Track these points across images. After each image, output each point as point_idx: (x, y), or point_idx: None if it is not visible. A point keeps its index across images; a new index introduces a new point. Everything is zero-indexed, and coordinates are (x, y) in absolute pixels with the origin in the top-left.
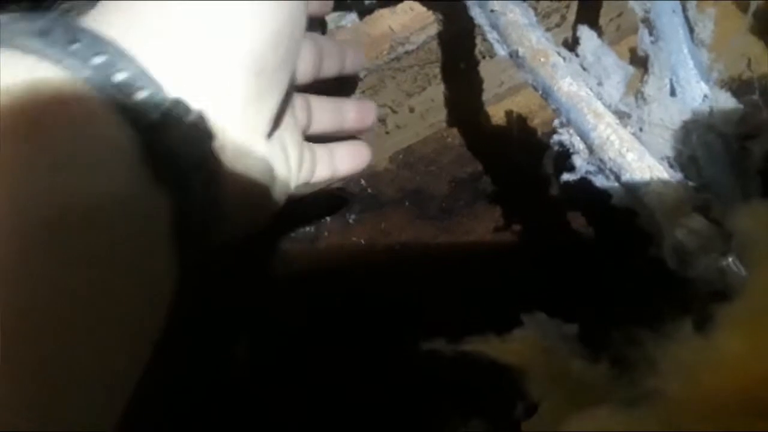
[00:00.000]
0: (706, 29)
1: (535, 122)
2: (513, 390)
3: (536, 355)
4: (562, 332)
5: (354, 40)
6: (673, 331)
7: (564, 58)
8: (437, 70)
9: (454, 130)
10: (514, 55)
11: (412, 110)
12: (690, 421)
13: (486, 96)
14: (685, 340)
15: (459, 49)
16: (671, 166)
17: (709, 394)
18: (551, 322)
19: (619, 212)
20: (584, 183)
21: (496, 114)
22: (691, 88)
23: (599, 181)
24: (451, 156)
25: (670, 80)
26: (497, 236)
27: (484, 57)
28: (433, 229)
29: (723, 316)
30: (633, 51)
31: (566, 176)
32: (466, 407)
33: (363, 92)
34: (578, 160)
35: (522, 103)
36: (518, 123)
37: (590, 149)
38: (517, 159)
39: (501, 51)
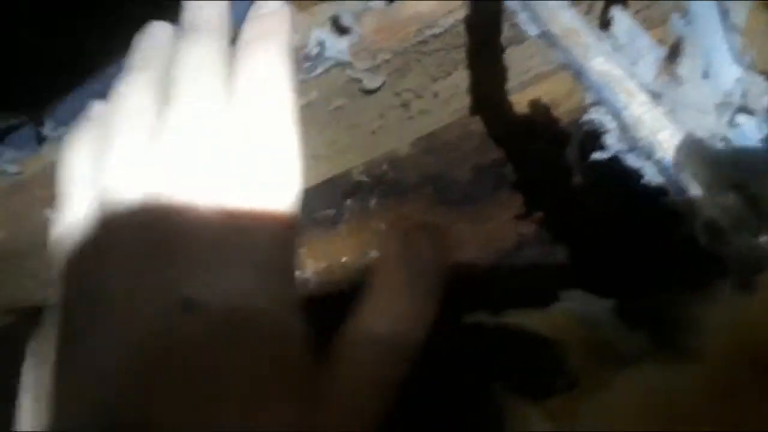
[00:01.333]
0: (739, 14)
1: (560, 110)
2: (553, 363)
3: (575, 327)
4: (600, 305)
5: (381, 22)
6: (713, 293)
7: (597, 38)
8: (464, 55)
9: (478, 117)
10: (545, 36)
11: (436, 95)
12: (732, 378)
13: (511, 83)
14: (727, 300)
15: (486, 34)
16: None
17: (751, 350)
18: (588, 296)
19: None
20: (609, 168)
21: (521, 101)
22: (724, 70)
23: (630, 160)
24: (474, 142)
25: (703, 63)
26: (519, 223)
27: (510, 43)
28: (455, 214)
29: (764, 277)
30: (661, 42)
31: (597, 155)
32: (507, 380)
33: (389, 75)
34: (609, 140)
35: (547, 90)
36: (543, 111)
37: (622, 128)
38: (541, 147)
39: (532, 32)
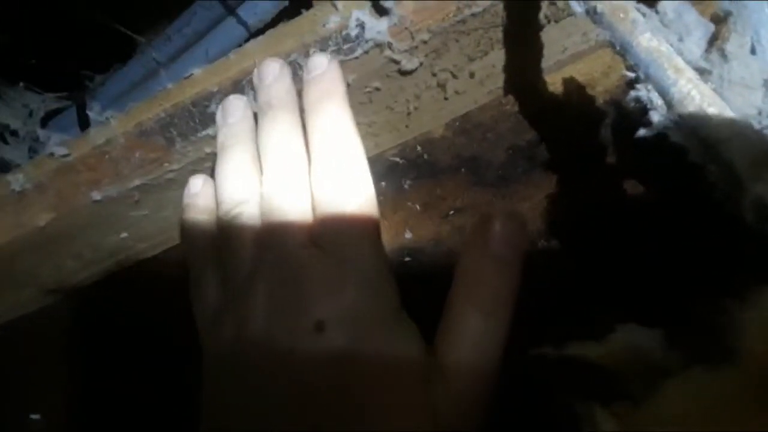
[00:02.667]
0: None
1: (597, 90)
2: (614, 389)
3: (632, 358)
4: (652, 336)
5: (420, 3)
6: (758, 296)
7: (644, 15)
8: (500, 34)
9: (512, 98)
10: (591, 12)
11: (472, 75)
12: None
13: (548, 62)
14: None
15: (524, 13)
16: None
17: None
18: (641, 328)
19: (689, 178)
20: (654, 147)
21: (557, 81)
22: None
23: (676, 137)
24: (508, 123)
25: (751, 39)
26: (554, 203)
27: (549, 21)
28: (489, 195)
29: None
30: (709, 18)
31: (642, 132)
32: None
33: (426, 55)
34: (655, 116)
35: (584, 70)
36: (578, 91)
37: (669, 105)
38: (576, 127)
39: (578, 9)
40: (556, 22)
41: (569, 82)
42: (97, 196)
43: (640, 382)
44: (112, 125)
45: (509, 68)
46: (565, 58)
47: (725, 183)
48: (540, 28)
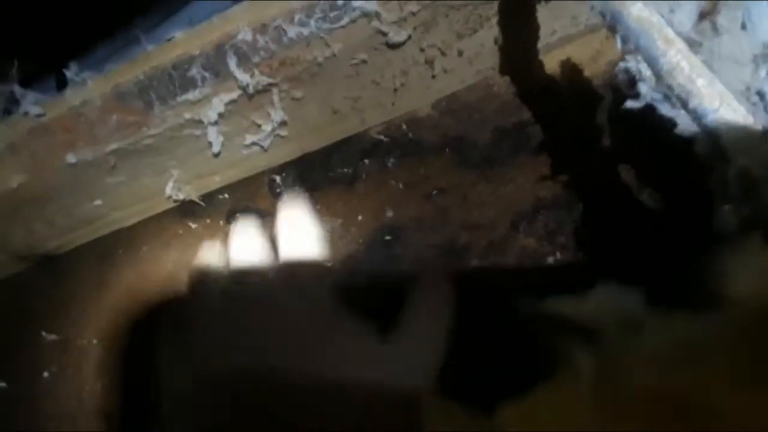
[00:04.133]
0: None
1: (585, 74)
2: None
3: (610, 316)
4: (633, 296)
5: None
6: (743, 244)
7: None
8: (491, 12)
9: (500, 79)
10: None
11: (461, 54)
12: (760, 323)
13: (537, 45)
14: (756, 250)
15: None
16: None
17: None
18: (622, 287)
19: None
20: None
21: (546, 64)
22: (763, 23)
23: (664, 109)
24: (495, 105)
25: (743, 14)
26: (539, 185)
27: (539, 1)
28: (474, 176)
29: None
30: None
31: (630, 104)
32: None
33: (415, 28)
34: (644, 88)
35: (572, 54)
36: (568, 74)
37: (658, 75)
38: (567, 109)
39: None
40: (546, 2)
41: (563, 65)
42: (71, 159)
43: (616, 342)
44: (89, 86)
45: (501, 47)
46: (554, 41)
47: (711, 155)
48: (531, 6)
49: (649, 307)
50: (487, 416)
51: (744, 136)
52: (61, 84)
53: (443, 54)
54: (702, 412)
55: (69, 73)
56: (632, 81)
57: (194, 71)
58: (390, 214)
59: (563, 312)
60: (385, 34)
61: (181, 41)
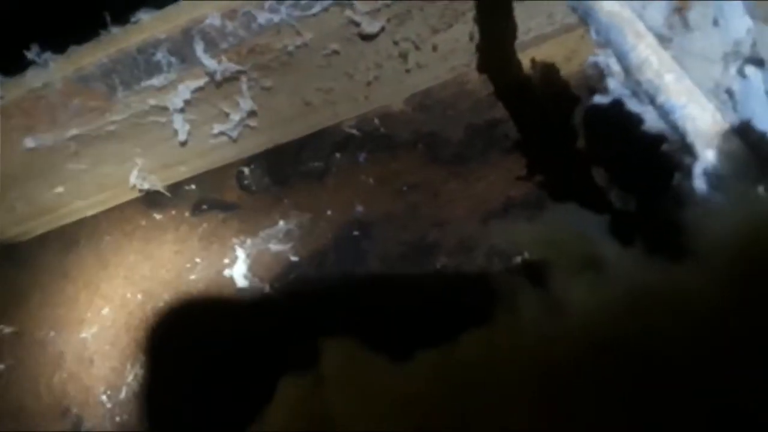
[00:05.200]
0: None
1: (559, 73)
2: (534, 277)
3: (567, 242)
4: (594, 221)
5: None
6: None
7: None
8: (466, 7)
9: (474, 76)
10: None
11: (435, 49)
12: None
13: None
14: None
15: None
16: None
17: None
18: (583, 211)
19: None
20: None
21: (520, 62)
22: (735, 20)
23: (632, 105)
24: (468, 102)
25: (715, 11)
26: (511, 184)
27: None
28: (444, 173)
29: None
30: None
31: (598, 99)
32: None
33: (389, 20)
34: (612, 83)
35: (547, 53)
36: (544, 72)
37: (627, 70)
38: (538, 108)
39: None
40: (522, 0)
41: (537, 63)
42: (30, 143)
43: (566, 269)
44: (50, 68)
45: (479, 44)
46: (529, 39)
47: (678, 151)
48: (511, 5)
49: (614, 243)
50: (401, 363)
51: (711, 133)
52: (22, 65)
53: (417, 48)
54: (655, 365)
55: (30, 54)
56: (601, 76)
57: (160, 56)
58: (360, 209)
59: (511, 236)
60: (357, 25)
61: (147, 24)
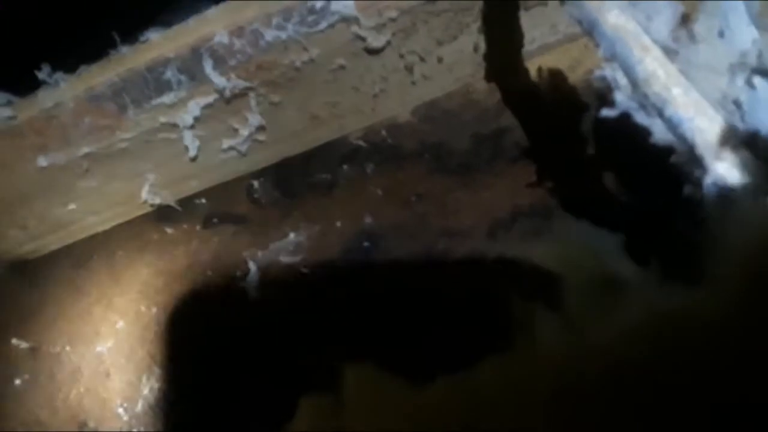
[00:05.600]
0: None
1: (564, 83)
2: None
3: (582, 260)
4: (608, 240)
5: None
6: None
7: None
8: (470, 19)
9: (479, 86)
10: None
11: (440, 60)
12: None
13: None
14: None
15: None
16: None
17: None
18: (597, 230)
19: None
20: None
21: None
22: (741, 31)
23: (639, 117)
24: (474, 112)
25: (720, 22)
26: (517, 192)
27: (519, 9)
28: (451, 182)
29: None
30: None
31: (606, 112)
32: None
33: (394, 34)
34: (620, 96)
35: (552, 63)
36: (549, 81)
37: (634, 84)
38: (543, 118)
39: None
40: (526, 10)
41: (542, 73)
42: (43, 162)
43: (582, 290)
44: (61, 88)
45: (485, 54)
46: (533, 49)
47: (687, 164)
48: (512, 14)
49: (629, 263)
50: (421, 389)
51: (720, 145)
52: (33, 86)
53: (423, 60)
54: (672, 391)
55: (41, 75)
56: (608, 89)
57: (169, 74)
58: (369, 220)
59: (526, 256)
60: (363, 40)
61: (156, 43)
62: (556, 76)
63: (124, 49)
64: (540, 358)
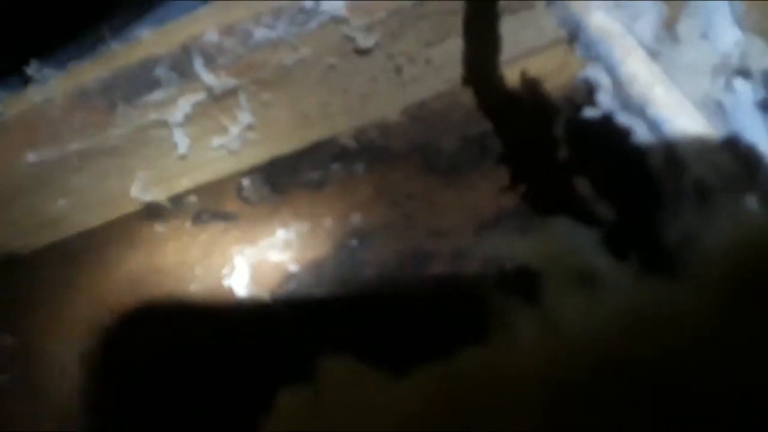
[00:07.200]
0: None
1: (549, 85)
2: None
3: (561, 255)
4: (588, 235)
5: None
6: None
7: None
8: (458, 21)
9: (467, 88)
10: None
11: (429, 62)
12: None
13: (502, 56)
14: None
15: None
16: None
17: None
18: (577, 225)
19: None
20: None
21: (511, 75)
22: (724, 32)
23: (621, 118)
24: (462, 113)
25: (703, 23)
26: (502, 193)
27: (505, 12)
28: (440, 182)
29: None
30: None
31: (588, 112)
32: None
33: (383, 35)
34: (602, 96)
35: (538, 65)
36: (533, 84)
37: (617, 84)
38: (528, 120)
39: None
40: (512, 13)
41: (527, 76)
42: (32, 158)
43: (561, 285)
44: (51, 84)
45: (467, 58)
46: (520, 51)
47: (667, 164)
48: (498, 16)
49: (608, 255)
50: (399, 380)
51: (701, 146)
52: (22, 81)
53: (411, 62)
54: (652, 384)
55: (30, 70)
56: (591, 90)
57: (159, 71)
58: (357, 219)
59: (509, 253)
60: (353, 40)
61: (147, 41)
62: (539, 78)
63: (115, 46)
64: (518, 351)
